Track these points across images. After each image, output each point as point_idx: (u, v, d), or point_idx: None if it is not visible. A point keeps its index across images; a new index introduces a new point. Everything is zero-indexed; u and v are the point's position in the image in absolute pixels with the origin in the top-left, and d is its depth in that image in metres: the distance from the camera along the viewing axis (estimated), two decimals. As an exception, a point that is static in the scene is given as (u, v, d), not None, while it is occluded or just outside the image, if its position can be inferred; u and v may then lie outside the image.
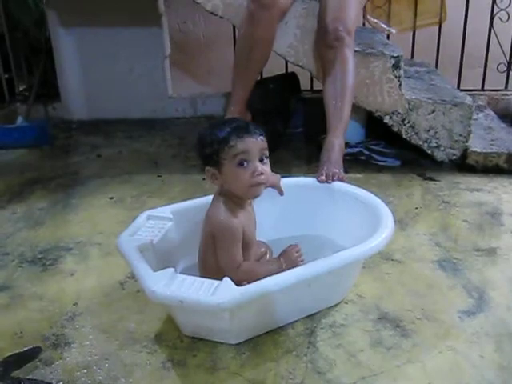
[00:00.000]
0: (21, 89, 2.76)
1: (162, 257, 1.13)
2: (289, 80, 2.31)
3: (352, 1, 1.73)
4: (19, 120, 2.36)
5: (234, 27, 2.33)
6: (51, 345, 1.06)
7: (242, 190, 1.09)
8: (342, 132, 1.63)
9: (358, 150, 2.05)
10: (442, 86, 2.09)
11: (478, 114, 2.23)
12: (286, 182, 1.33)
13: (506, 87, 2.55)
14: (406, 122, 1.89)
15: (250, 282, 1.00)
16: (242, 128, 1.07)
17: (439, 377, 0.95)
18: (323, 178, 1.38)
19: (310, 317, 1.12)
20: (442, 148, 1.91)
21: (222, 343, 1.04)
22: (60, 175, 1.95)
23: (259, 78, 2.15)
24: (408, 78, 2.10)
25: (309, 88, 2.52)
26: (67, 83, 2.59)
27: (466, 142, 1.89)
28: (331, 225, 1.32)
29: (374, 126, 2.06)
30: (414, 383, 0.94)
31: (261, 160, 1.08)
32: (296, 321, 1.10)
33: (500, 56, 2.45)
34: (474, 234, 1.46)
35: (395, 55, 1.85)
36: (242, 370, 0.98)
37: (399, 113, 1.88)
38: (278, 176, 1.31)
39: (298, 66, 1.90)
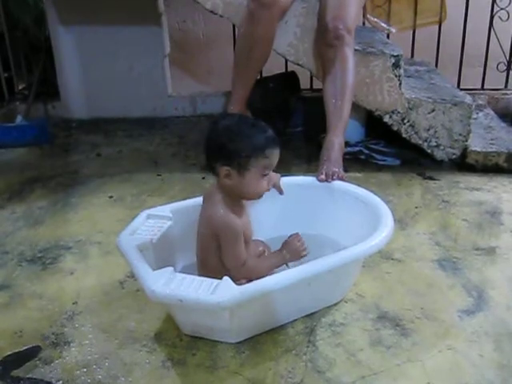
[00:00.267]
0: (20, 87, 2.76)
1: (161, 256, 1.13)
2: (289, 79, 2.31)
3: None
4: (19, 119, 2.36)
5: (233, 26, 2.33)
6: (51, 344, 1.06)
7: (254, 195, 1.11)
8: (341, 131, 1.63)
9: (357, 149, 2.05)
10: (442, 85, 2.09)
11: (477, 113, 2.23)
12: (285, 181, 1.33)
13: (506, 86, 2.54)
14: (405, 121, 1.89)
15: (249, 281, 1.00)
16: (273, 139, 1.08)
17: (439, 376, 0.95)
18: (323, 177, 1.38)
19: (310, 316, 1.12)
20: (442, 147, 1.91)
21: (221, 342, 1.04)
22: (60, 174, 1.95)
23: (259, 77, 2.15)
24: (408, 77, 2.10)
25: (309, 87, 2.52)
26: (67, 82, 2.59)
27: (466, 141, 1.89)
28: (331, 224, 1.32)
29: (374, 125, 2.06)
30: (414, 382, 0.95)
31: None
32: (296, 320, 1.10)
33: (500, 55, 2.44)
34: (474, 234, 1.46)
35: (395, 54, 1.85)
36: (241, 369, 0.98)
37: (399, 112, 1.88)
38: (278, 175, 1.31)
39: (298, 64, 1.90)
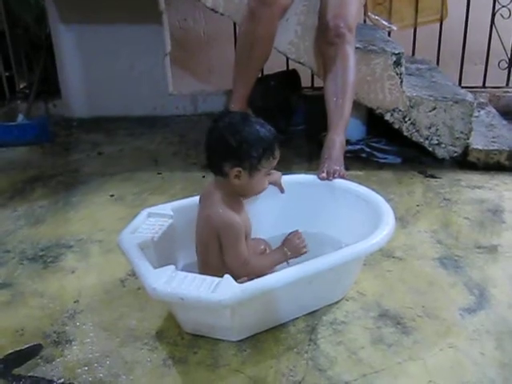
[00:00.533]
0: (21, 86, 2.76)
1: (162, 254, 1.13)
2: (290, 77, 2.30)
3: (353, -2, 1.73)
4: (20, 117, 2.36)
5: (234, 24, 2.33)
6: (52, 342, 1.06)
7: (256, 193, 1.13)
8: (342, 129, 1.63)
9: (358, 147, 2.05)
10: (443, 83, 2.09)
11: (479, 111, 2.22)
12: (286, 179, 1.33)
13: (508, 84, 2.54)
14: (406, 119, 1.89)
15: (251, 279, 1.00)
16: (278, 138, 1.09)
17: (440, 374, 0.95)
18: (324, 175, 1.38)
19: (311, 314, 1.12)
20: (443, 145, 1.91)
21: (222, 340, 1.04)
22: (61, 173, 1.95)
23: (260, 76, 2.15)
24: (409, 75, 2.09)
25: (310, 85, 2.51)
26: (68, 80, 2.59)
27: (467, 139, 1.89)
28: (332, 222, 1.32)
29: (375, 123, 2.06)
30: (415, 380, 0.94)
31: None
32: (297, 318, 1.10)
33: (501, 53, 2.44)
34: (476, 232, 1.46)
35: (396, 52, 1.84)
36: (242, 367, 0.98)
37: (400, 110, 1.88)
38: (279, 173, 1.31)
39: (299, 63, 1.90)
